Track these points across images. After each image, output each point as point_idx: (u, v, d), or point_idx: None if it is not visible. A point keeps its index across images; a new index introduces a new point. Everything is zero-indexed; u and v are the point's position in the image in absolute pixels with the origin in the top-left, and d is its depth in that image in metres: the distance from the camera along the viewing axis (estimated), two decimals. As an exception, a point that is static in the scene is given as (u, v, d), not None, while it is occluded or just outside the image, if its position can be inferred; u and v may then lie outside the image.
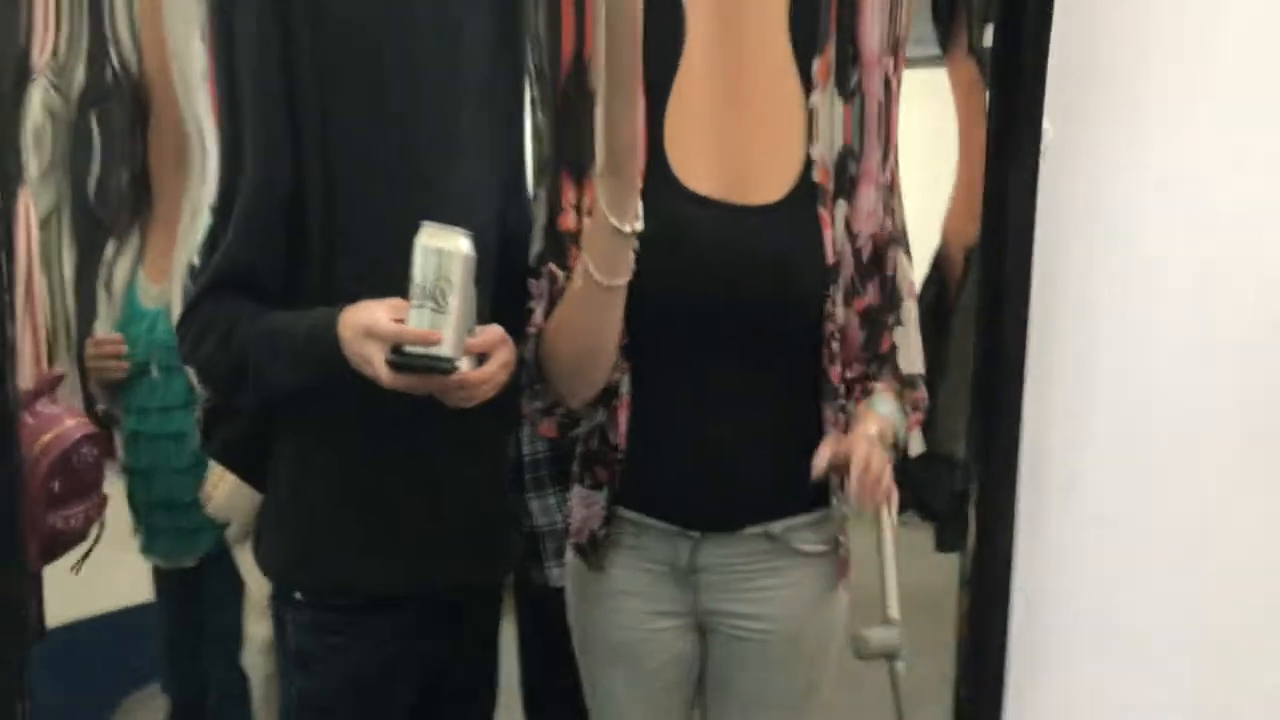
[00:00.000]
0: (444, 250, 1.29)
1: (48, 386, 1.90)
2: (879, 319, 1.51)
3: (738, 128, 1.47)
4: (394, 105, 1.44)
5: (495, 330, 1.39)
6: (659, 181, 1.45)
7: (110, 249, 2.22)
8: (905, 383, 1.53)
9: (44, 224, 2.23)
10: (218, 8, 1.45)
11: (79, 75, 2.26)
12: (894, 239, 1.53)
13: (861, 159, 1.48)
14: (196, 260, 1.64)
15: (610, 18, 1.26)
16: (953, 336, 1.59)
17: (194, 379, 1.87)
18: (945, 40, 1.63)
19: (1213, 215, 1.29)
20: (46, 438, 1.77)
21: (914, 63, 1.52)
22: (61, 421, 1.82)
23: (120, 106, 2.25)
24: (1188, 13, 1.26)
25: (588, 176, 1.48)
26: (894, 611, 1.40)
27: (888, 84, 1.47)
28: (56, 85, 2.28)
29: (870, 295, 1.50)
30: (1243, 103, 1.28)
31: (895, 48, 1.48)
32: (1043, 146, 1.25)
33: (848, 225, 1.50)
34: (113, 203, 2.28)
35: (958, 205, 1.60)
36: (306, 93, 1.41)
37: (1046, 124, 1.25)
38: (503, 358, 1.39)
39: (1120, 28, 1.26)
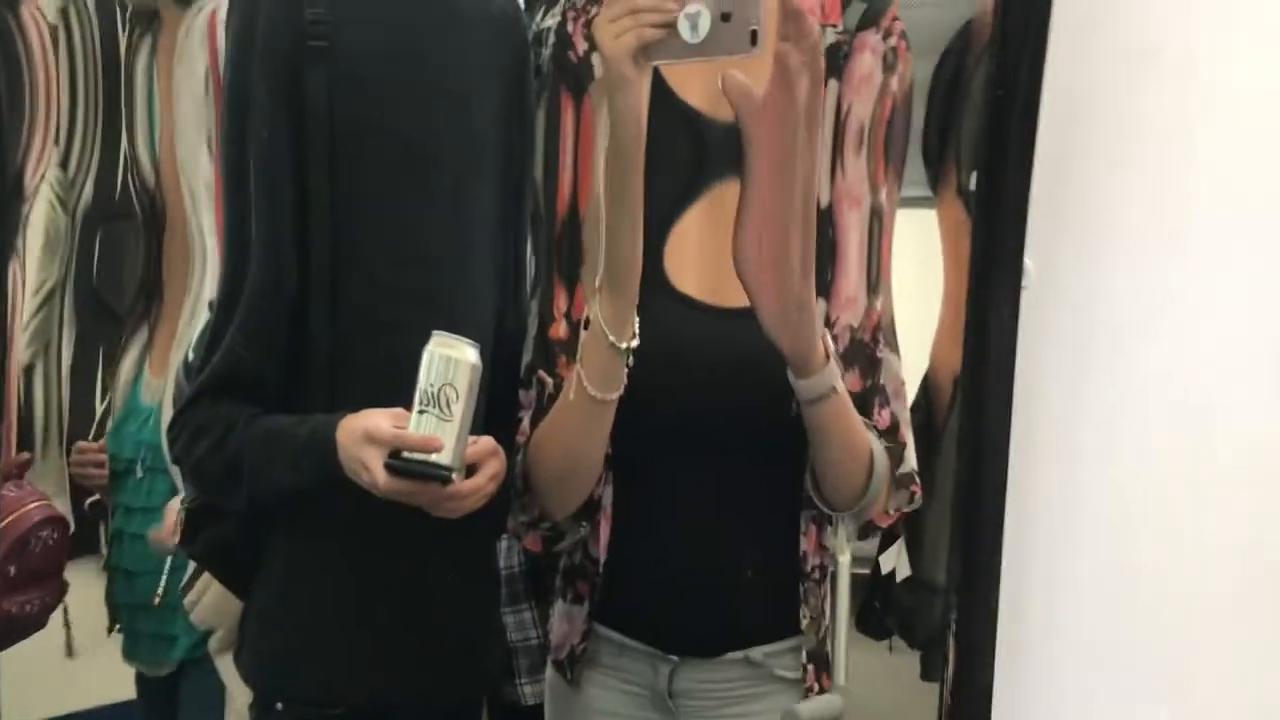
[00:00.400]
0: (452, 359, 1.30)
1: (15, 471, 1.90)
2: (862, 406, 1.50)
3: (723, 233, 1.49)
4: (405, 218, 1.47)
5: (487, 441, 1.40)
6: (653, 288, 1.46)
7: (116, 342, 2.25)
8: (902, 482, 1.53)
9: (42, 309, 2.27)
10: (231, 110, 1.48)
11: (87, 191, 2.32)
12: (880, 331, 1.53)
13: (837, 252, 1.50)
14: (192, 355, 1.65)
15: (614, 141, 1.28)
16: (941, 462, 1.61)
17: (179, 480, 1.88)
18: (935, 183, 1.68)
19: (1194, 348, 1.32)
20: (5, 521, 1.76)
21: (910, 202, 1.56)
22: (23, 504, 1.81)
23: (128, 223, 2.30)
24: (1163, 157, 1.31)
25: (579, 283, 1.51)
26: (840, 678, 1.38)
27: (876, 205, 1.51)
28: (62, 200, 2.34)
29: (850, 381, 1.49)
30: (1215, 239, 1.31)
31: (886, 175, 1.52)
32: (1024, 283, 1.28)
33: (826, 317, 1.50)
34: (114, 299, 2.32)
35: (944, 333, 1.64)
36: (317, 200, 1.43)
37: (1028, 261, 1.28)
38: (492, 469, 1.40)
39: (1097, 170, 1.30)
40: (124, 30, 2.41)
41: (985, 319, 1.23)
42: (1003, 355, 1.24)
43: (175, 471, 2.03)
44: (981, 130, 1.25)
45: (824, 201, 1.50)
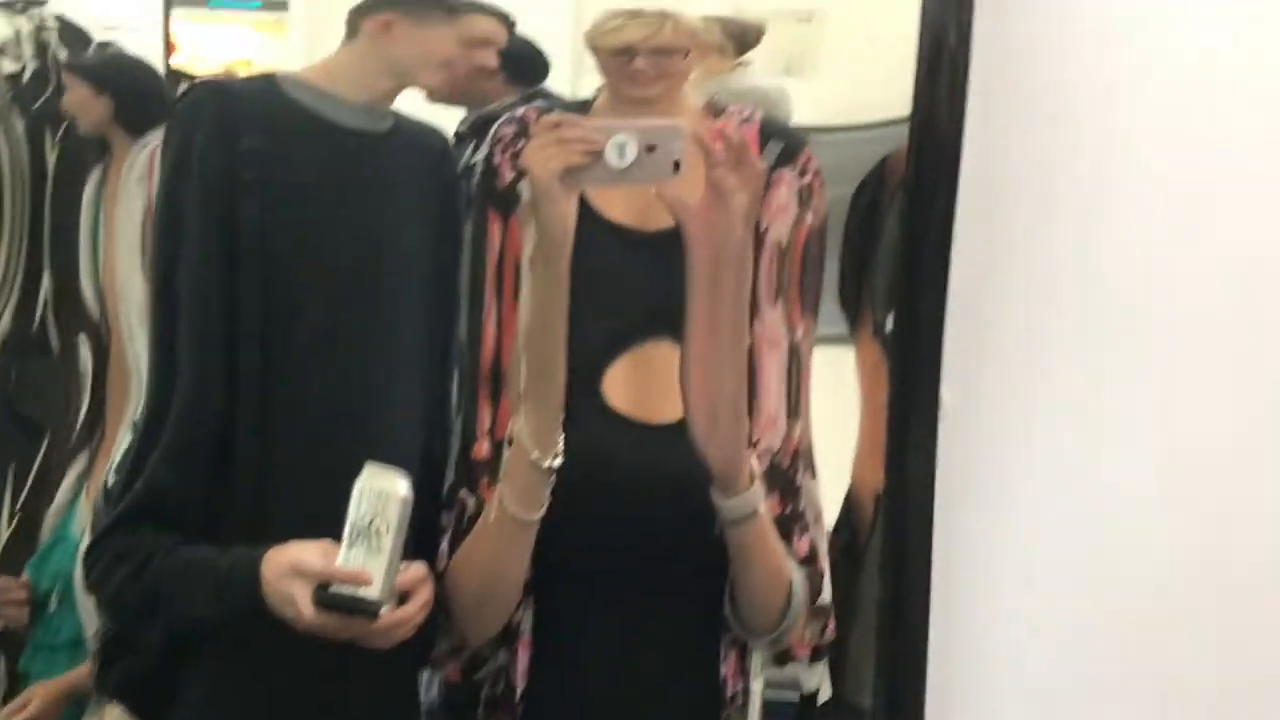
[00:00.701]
0: (384, 491, 1.30)
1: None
2: (782, 532, 1.51)
3: (655, 349, 1.52)
4: (335, 345, 1.48)
5: (419, 568, 1.38)
6: (585, 401, 1.47)
7: (28, 464, 2.20)
8: (816, 615, 1.54)
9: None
10: (162, 235, 1.49)
11: (4, 322, 2.30)
12: (799, 457, 1.55)
13: (758, 380, 1.52)
14: (112, 479, 1.63)
15: (541, 256, 1.32)
16: (864, 581, 1.62)
17: (93, 611, 1.82)
18: (852, 324, 1.74)
19: (1099, 481, 1.36)
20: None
21: (828, 340, 1.61)
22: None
23: (45, 359, 2.27)
24: (1067, 297, 1.38)
25: (504, 402, 1.51)
26: None
27: (794, 344, 1.55)
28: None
29: (770, 506, 1.50)
30: (1123, 364, 1.38)
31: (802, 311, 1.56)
32: (941, 413, 1.32)
33: (753, 444, 1.51)
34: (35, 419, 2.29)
35: (863, 454, 1.67)
36: (247, 326, 1.43)
37: (945, 392, 1.33)
38: (423, 597, 1.38)
39: (1011, 311, 1.36)
40: (52, 153, 2.41)
41: (904, 449, 1.26)
42: (922, 482, 1.27)
43: (87, 608, 1.97)
44: (896, 265, 1.30)
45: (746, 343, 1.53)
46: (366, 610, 1.30)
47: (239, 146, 1.45)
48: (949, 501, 1.35)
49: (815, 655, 1.60)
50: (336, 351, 1.48)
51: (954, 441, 1.34)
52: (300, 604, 1.29)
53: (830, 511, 1.62)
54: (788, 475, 1.55)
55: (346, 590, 1.29)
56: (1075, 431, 1.37)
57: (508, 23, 1.64)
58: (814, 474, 1.58)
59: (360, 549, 1.29)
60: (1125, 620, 1.37)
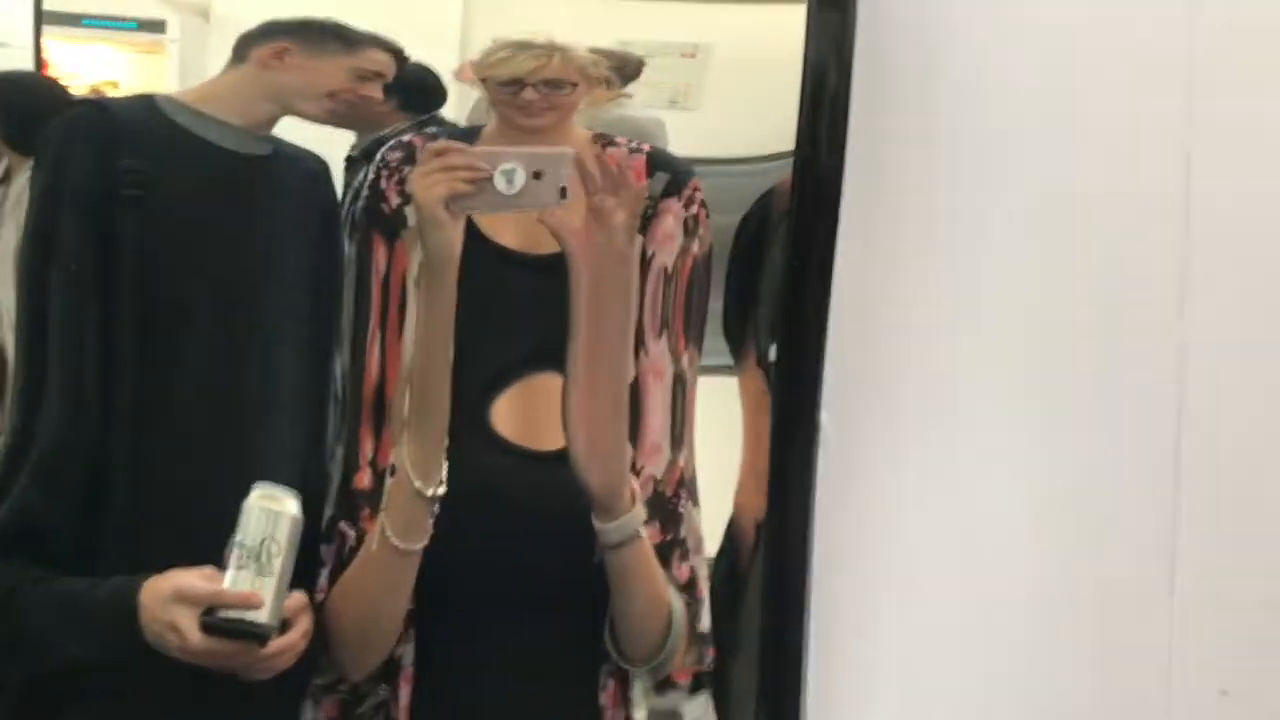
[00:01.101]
0: (274, 511, 1.27)
1: None
2: (662, 559, 1.51)
3: (540, 376, 1.51)
4: (213, 365, 1.45)
5: (299, 596, 1.34)
6: (471, 429, 1.46)
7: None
8: (697, 641, 1.53)
9: None
10: (33, 252, 1.45)
11: None
12: (682, 485, 1.55)
13: (642, 406, 1.53)
14: None
15: (426, 282, 1.32)
16: (745, 610, 1.63)
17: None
18: (736, 355, 1.76)
19: (972, 505, 1.40)
20: None
21: (712, 370, 1.62)
22: None
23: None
24: (946, 318, 1.42)
25: (387, 431, 1.49)
26: None
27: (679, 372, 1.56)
28: None
29: (651, 534, 1.49)
30: (993, 398, 1.42)
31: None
32: (820, 438, 1.34)
33: (631, 463, 1.50)
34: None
35: (746, 482, 1.68)
36: (122, 344, 1.40)
37: (824, 417, 1.35)
38: (304, 625, 1.34)
39: (890, 338, 1.39)
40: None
41: (785, 477, 1.27)
42: (801, 506, 1.28)
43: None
44: (778, 295, 1.32)
45: (629, 375, 1.54)
46: (256, 635, 1.26)
47: (119, 165, 1.43)
48: (827, 527, 1.37)
49: (696, 684, 1.59)
50: (213, 376, 1.45)
51: (832, 468, 1.36)
52: (185, 631, 1.24)
53: (712, 540, 1.63)
54: (670, 503, 1.56)
55: (235, 614, 1.25)
56: (949, 457, 1.40)
57: (400, 56, 1.63)
58: (696, 502, 1.59)
59: (249, 571, 1.26)
60: (1000, 640, 1.40)
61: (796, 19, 1.55)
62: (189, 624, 1.24)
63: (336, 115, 1.64)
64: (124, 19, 2.34)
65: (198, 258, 1.46)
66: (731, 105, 2.05)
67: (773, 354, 1.57)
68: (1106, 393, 1.41)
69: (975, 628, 1.40)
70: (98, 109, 1.52)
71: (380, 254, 1.56)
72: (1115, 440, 1.42)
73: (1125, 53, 1.40)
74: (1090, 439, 1.41)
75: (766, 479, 1.43)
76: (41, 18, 2.37)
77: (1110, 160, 1.41)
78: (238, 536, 1.26)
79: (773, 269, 1.62)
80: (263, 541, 1.26)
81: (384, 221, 1.56)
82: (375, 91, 1.62)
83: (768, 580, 1.37)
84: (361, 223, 1.59)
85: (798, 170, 1.37)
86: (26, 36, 2.35)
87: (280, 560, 1.26)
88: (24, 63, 2.34)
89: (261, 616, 1.26)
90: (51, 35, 2.39)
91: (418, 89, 2.04)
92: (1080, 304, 1.41)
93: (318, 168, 1.63)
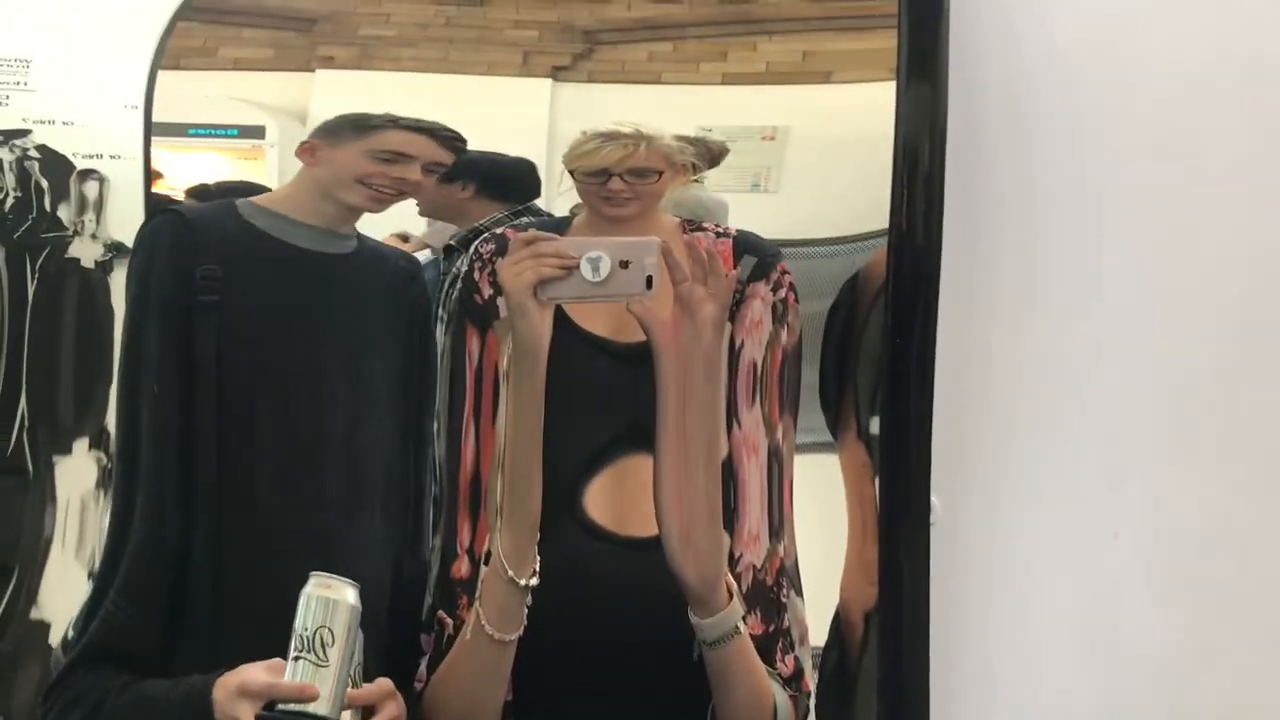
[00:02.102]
0: (330, 600, 1.22)
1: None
2: (765, 652, 1.42)
3: (632, 463, 1.45)
4: (295, 467, 1.42)
5: (384, 683, 1.29)
6: (561, 517, 1.41)
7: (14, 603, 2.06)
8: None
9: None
10: (126, 363, 1.46)
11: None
12: (783, 574, 1.47)
13: (739, 493, 1.46)
14: (71, 633, 1.53)
15: (517, 371, 1.27)
16: (858, 706, 1.51)
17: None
18: (835, 427, 1.66)
19: (1093, 578, 1.29)
20: None
21: (810, 448, 1.53)
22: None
23: (17, 478, 2.14)
24: (1053, 387, 1.33)
25: (483, 519, 1.44)
26: None
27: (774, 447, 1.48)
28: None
29: (753, 625, 1.42)
30: (1106, 469, 1.31)
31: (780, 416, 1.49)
32: (932, 519, 1.24)
33: (730, 553, 1.44)
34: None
35: (852, 569, 1.58)
36: (202, 460, 1.38)
37: (935, 499, 1.25)
38: (390, 713, 1.28)
39: (996, 407, 1.29)
40: (32, 281, 2.32)
41: (897, 562, 1.18)
42: (917, 595, 1.18)
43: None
44: (881, 376, 1.23)
45: (723, 451, 1.45)
46: None
47: (196, 272, 1.42)
48: (941, 610, 1.26)
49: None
50: (293, 475, 1.42)
51: (943, 549, 1.26)
52: None
53: (819, 631, 1.53)
54: (771, 593, 1.46)
55: (293, 708, 1.20)
56: (1065, 530, 1.29)
57: (439, 134, 1.55)
58: (799, 591, 1.50)
59: (305, 662, 1.20)
60: (1127, 711, 1.28)
61: (873, 97, 1.51)
62: (249, 718, 1.20)
63: (378, 197, 1.57)
64: (226, 126, 2.33)
65: (276, 358, 1.44)
66: (813, 188, 1.98)
67: (873, 427, 1.49)
68: (1227, 456, 1.30)
69: (1100, 713, 1.28)
70: (175, 218, 1.51)
71: (473, 344, 1.51)
72: (1238, 505, 1.30)
73: (1223, 109, 1.30)
74: (1212, 506, 1.30)
75: (874, 567, 1.34)
76: (151, 129, 2.40)
77: (1217, 211, 1.30)
78: (295, 626, 1.22)
79: (870, 349, 1.53)
80: (317, 631, 1.21)
81: (476, 312, 1.51)
82: (411, 172, 1.55)
83: (885, 674, 1.26)
84: (455, 313, 1.55)
85: (893, 248, 1.30)
86: (137, 148, 2.37)
87: (336, 650, 1.21)
88: (134, 173, 2.36)
89: (320, 709, 1.20)
90: (160, 146, 2.41)
91: (513, 180, 1.99)
92: (1194, 365, 1.30)
93: (409, 265, 1.59)
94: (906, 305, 1.26)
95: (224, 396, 1.40)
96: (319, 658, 1.19)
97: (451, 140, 1.53)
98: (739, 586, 1.40)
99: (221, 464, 1.38)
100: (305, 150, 1.51)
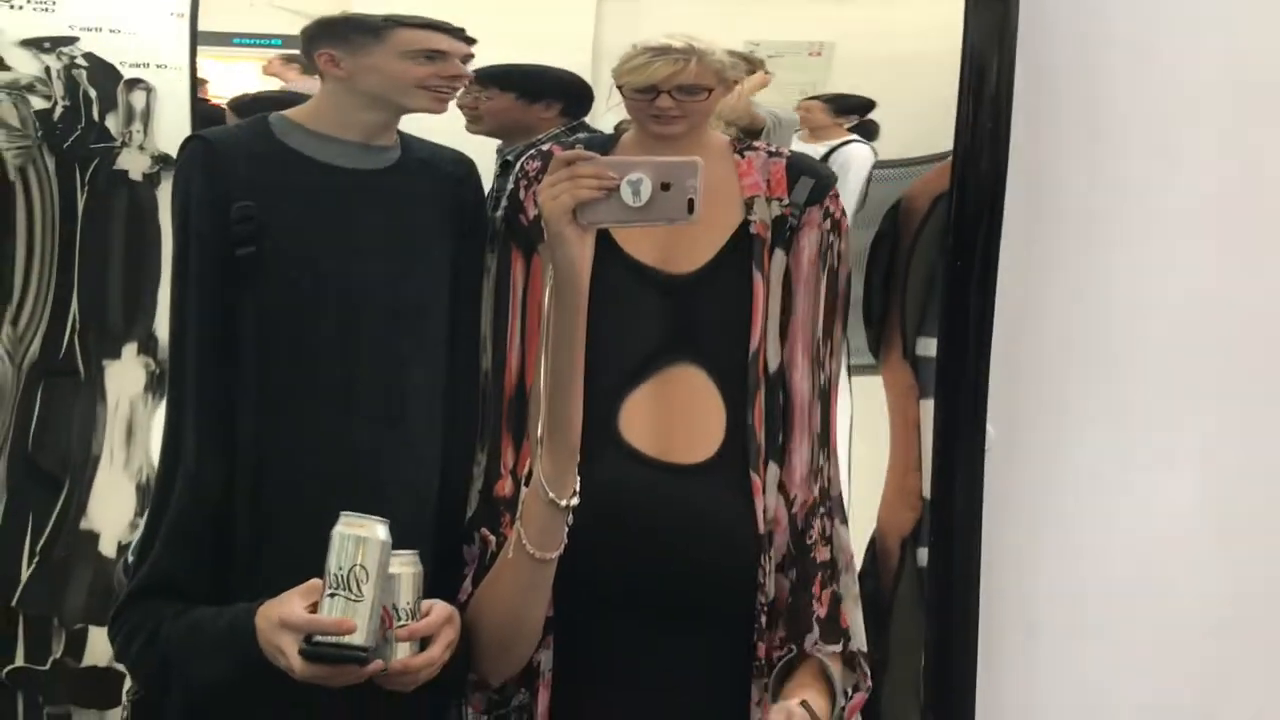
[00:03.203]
0: (360, 538, 1.18)
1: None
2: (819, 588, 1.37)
3: (679, 395, 1.37)
4: (335, 392, 1.34)
5: (442, 610, 1.24)
6: (603, 441, 1.33)
7: (47, 511, 2.02)
8: (850, 662, 1.36)
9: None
10: (176, 296, 1.38)
11: (34, 348, 2.13)
12: (830, 505, 1.40)
13: (792, 414, 1.37)
14: (132, 557, 1.49)
15: (557, 297, 1.19)
16: (894, 628, 1.44)
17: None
18: (879, 346, 1.56)
19: (1144, 515, 1.20)
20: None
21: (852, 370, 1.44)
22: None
23: (71, 379, 2.10)
24: (1112, 320, 1.22)
25: (526, 440, 1.38)
26: None
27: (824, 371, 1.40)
28: (10, 354, 2.14)
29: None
30: (1164, 404, 1.21)
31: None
32: (987, 446, 1.16)
33: (781, 487, 1.37)
34: (54, 465, 2.10)
35: (891, 496, 1.49)
36: (245, 394, 1.32)
37: (990, 427, 1.17)
38: (447, 638, 1.24)
39: (1053, 340, 1.20)
40: (82, 192, 2.23)
41: (952, 488, 1.10)
42: (970, 520, 1.10)
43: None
44: (932, 299, 1.14)
45: (774, 365, 1.37)
46: (353, 659, 1.18)
47: (231, 210, 1.32)
48: (992, 537, 1.18)
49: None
50: (334, 398, 1.35)
51: (996, 476, 1.17)
52: (290, 657, 1.18)
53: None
54: (819, 520, 1.39)
55: (331, 639, 1.17)
56: (1120, 462, 1.21)
57: (446, 29, 1.41)
58: (845, 520, 1.42)
59: (341, 598, 1.18)
60: (1175, 656, 1.21)
61: (925, 18, 1.44)
62: (292, 649, 1.18)
63: (441, 97, 1.44)
64: (270, 36, 2.22)
65: (317, 289, 1.35)
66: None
67: (919, 348, 1.40)
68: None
69: (1148, 642, 1.21)
70: (207, 148, 1.37)
71: (518, 269, 1.43)
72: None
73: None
74: (1266, 437, 1.21)
75: (916, 493, 1.25)
76: (197, 38, 2.29)
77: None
78: (328, 564, 1.19)
79: (919, 269, 1.42)
80: (351, 569, 1.18)
81: (522, 234, 1.43)
82: (455, 68, 1.40)
83: (936, 596, 1.19)
84: (501, 234, 1.46)
85: (958, 168, 1.20)
86: (183, 57, 2.27)
87: (370, 586, 1.18)
88: (181, 82, 2.26)
89: (357, 639, 1.18)
90: (205, 55, 2.31)
91: (573, 93, 1.88)
92: (1255, 301, 1.19)
93: (457, 171, 1.47)
94: (969, 228, 1.15)
95: (264, 331, 1.33)
96: (354, 593, 1.17)
97: (457, 31, 1.41)
98: (795, 523, 1.36)
99: (261, 394, 1.33)
100: (327, 61, 1.37)
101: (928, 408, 1.37)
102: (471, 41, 1.41)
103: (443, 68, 1.38)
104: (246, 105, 1.73)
